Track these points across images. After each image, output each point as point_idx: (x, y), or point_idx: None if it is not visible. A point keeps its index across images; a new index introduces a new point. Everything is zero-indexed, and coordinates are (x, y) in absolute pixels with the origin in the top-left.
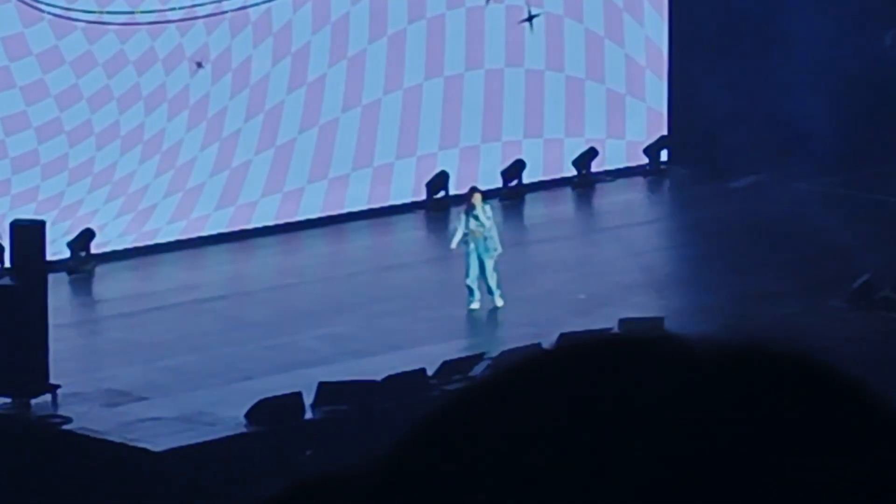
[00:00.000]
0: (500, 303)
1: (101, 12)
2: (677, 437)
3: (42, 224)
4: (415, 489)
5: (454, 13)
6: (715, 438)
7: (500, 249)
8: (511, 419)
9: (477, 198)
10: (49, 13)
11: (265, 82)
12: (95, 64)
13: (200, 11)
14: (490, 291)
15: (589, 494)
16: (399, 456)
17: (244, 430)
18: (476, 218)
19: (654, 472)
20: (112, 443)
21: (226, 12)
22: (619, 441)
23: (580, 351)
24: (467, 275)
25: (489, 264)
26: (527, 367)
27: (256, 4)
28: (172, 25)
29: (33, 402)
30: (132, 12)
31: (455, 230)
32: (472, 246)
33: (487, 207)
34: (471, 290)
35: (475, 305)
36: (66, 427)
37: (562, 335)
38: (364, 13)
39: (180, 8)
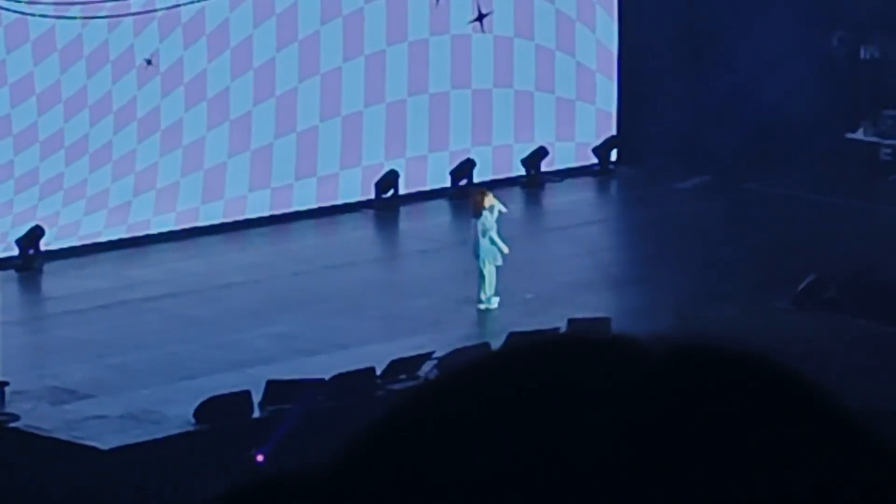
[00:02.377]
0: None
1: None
2: (630, 438)
3: None
4: (367, 492)
5: (395, 48)
6: (667, 438)
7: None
8: (461, 421)
9: (489, 198)
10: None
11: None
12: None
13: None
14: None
15: (538, 494)
16: (351, 459)
17: (191, 428)
18: (492, 213)
19: (606, 471)
20: (59, 441)
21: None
22: (571, 441)
23: (531, 351)
24: (495, 276)
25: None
26: (477, 367)
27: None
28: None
29: None
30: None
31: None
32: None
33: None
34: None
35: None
36: (12, 425)
37: (510, 334)
38: (293, 54)
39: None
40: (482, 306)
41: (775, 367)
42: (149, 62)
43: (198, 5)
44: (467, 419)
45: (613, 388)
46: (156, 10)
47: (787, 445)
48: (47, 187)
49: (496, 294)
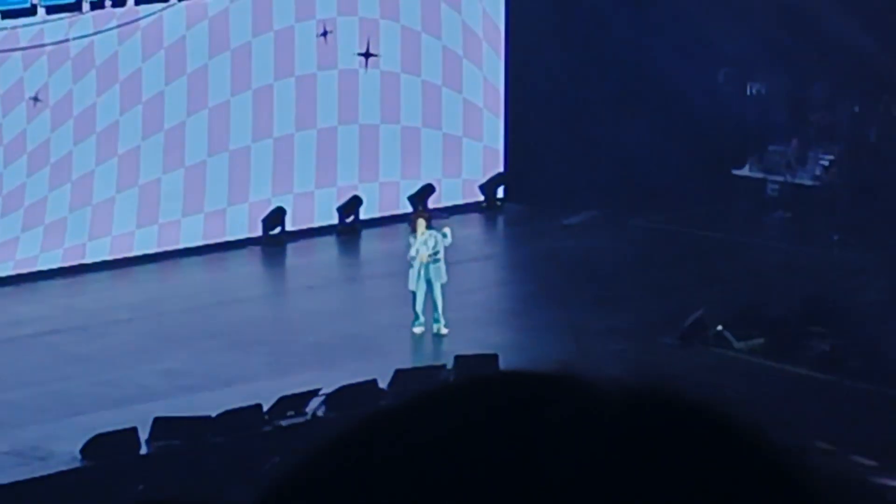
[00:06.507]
0: (444, 331)
1: None
2: (585, 482)
3: None
4: None
5: (283, 83)
6: (619, 482)
7: (444, 279)
8: (409, 460)
9: (420, 223)
10: None
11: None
12: None
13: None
14: (436, 319)
15: None
16: (276, 493)
17: (78, 465)
18: (424, 242)
19: None
20: None
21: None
22: (522, 482)
23: (483, 387)
24: (415, 300)
25: (438, 291)
26: (428, 401)
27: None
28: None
29: None
30: None
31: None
32: (418, 270)
33: (434, 233)
34: (416, 315)
35: (418, 330)
36: None
37: (397, 371)
38: (182, 88)
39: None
40: (436, 329)
41: (729, 416)
42: (35, 100)
43: (86, 40)
44: (403, 465)
45: (564, 431)
46: (44, 45)
47: (739, 496)
48: None
49: (435, 320)
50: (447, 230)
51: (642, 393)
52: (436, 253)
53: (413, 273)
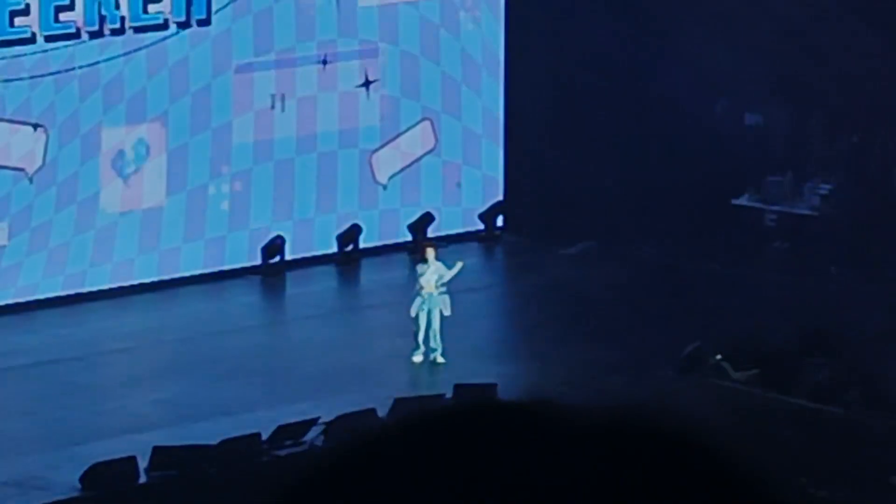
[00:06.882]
0: (440, 360)
1: None
2: None
3: None
4: None
5: (284, 104)
6: None
7: (448, 311)
8: (390, 488)
9: (430, 252)
10: None
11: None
12: None
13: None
14: (433, 349)
15: None
16: None
17: (77, 494)
18: (433, 272)
19: None
20: None
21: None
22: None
23: (459, 418)
24: (417, 328)
25: (437, 320)
26: (405, 431)
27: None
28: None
29: None
30: None
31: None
32: (422, 300)
33: (440, 264)
34: (417, 344)
35: (418, 359)
36: None
37: (397, 400)
38: (185, 108)
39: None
40: (432, 357)
41: (699, 442)
42: (35, 126)
43: (93, 59)
44: (396, 488)
45: (541, 460)
46: (47, 75)
47: None
48: None
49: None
50: (459, 264)
51: (617, 422)
52: (443, 284)
53: (418, 301)
